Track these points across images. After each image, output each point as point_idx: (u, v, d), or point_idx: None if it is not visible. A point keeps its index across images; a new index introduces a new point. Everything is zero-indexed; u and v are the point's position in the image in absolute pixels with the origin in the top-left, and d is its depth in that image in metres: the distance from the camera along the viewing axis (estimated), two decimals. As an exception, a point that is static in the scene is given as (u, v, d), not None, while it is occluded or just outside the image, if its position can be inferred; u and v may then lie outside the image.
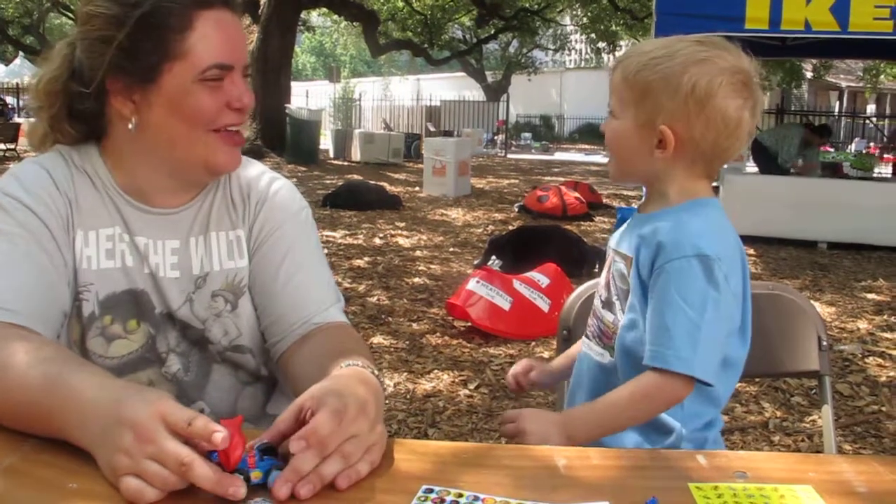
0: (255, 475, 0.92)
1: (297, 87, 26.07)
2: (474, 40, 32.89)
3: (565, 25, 37.57)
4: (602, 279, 1.50)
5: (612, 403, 1.33)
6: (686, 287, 1.30)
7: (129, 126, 1.28)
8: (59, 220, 1.29)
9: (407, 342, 4.78)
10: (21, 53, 29.92)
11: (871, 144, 21.54)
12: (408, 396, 3.90)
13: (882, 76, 29.72)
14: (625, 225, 1.50)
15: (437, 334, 4.97)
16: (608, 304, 1.46)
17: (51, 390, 0.99)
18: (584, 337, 1.55)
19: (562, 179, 14.65)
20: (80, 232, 1.31)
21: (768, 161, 9.68)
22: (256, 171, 1.47)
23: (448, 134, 20.48)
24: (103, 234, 1.33)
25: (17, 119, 20.74)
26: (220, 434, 0.86)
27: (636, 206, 1.53)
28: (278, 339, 1.38)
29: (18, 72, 26.47)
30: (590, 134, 37.20)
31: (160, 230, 1.36)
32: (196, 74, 1.24)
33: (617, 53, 36.43)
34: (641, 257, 1.37)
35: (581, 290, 1.77)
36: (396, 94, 37.18)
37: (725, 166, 14.00)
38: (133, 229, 1.34)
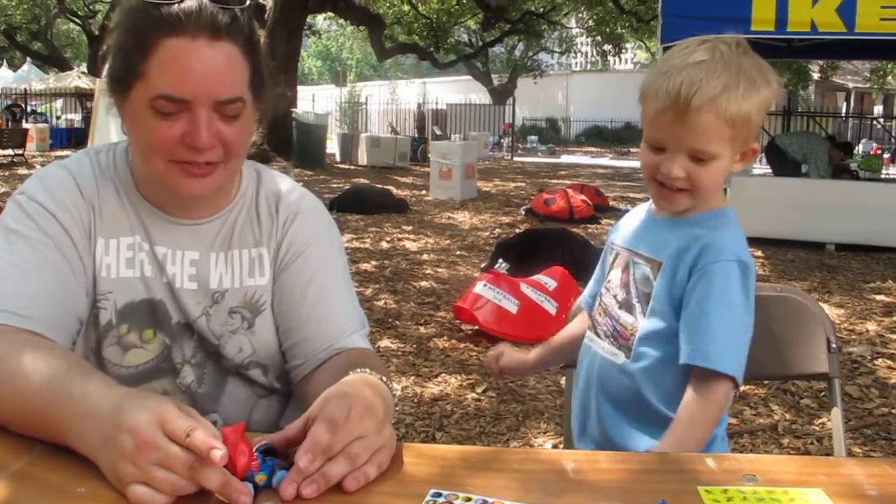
0: (260, 478, 0.92)
1: (303, 92, 26.14)
2: (480, 44, 32.93)
3: (571, 28, 37.65)
4: (616, 279, 1.50)
5: (685, 430, 1.33)
6: (729, 289, 1.33)
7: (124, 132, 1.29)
8: (81, 227, 1.29)
9: (414, 346, 4.78)
10: (29, 59, 30.08)
11: (874, 145, 21.50)
12: (415, 400, 3.90)
13: (889, 77, 29.62)
14: (635, 223, 1.51)
15: (445, 338, 4.96)
16: (627, 306, 1.46)
17: (54, 397, 1.00)
18: (589, 332, 1.55)
19: (568, 182, 14.64)
20: (101, 240, 1.31)
21: (786, 165, 9.67)
22: (286, 187, 1.44)
23: (438, 138, 20.41)
24: (124, 243, 1.32)
25: (24, 124, 20.85)
26: (218, 451, 0.86)
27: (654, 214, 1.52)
28: (300, 362, 1.36)
29: (26, 77, 26.61)
30: (596, 136, 37.23)
31: (180, 240, 1.35)
32: (148, 100, 1.18)
33: (623, 56, 36.44)
34: (676, 262, 1.38)
35: (588, 292, 1.77)
36: (403, 98, 37.23)
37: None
38: (154, 238, 1.33)
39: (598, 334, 1.52)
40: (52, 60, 32.46)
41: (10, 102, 23.74)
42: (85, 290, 1.28)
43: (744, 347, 1.34)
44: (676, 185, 1.37)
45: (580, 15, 31.37)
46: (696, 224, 1.40)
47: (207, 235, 1.36)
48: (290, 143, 17.18)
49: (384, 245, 8.22)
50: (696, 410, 1.33)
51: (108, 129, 11.49)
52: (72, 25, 35.56)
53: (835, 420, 1.72)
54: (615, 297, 1.49)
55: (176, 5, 1.16)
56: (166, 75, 1.16)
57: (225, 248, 1.37)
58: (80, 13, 31.06)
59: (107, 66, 1.25)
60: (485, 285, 5.06)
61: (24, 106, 24.28)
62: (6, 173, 15.05)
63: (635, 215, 1.56)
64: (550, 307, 5.07)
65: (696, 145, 1.33)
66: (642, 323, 1.42)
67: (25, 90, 25.29)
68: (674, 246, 1.39)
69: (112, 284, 1.31)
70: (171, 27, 1.15)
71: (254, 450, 0.93)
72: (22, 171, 15.29)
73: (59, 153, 18.81)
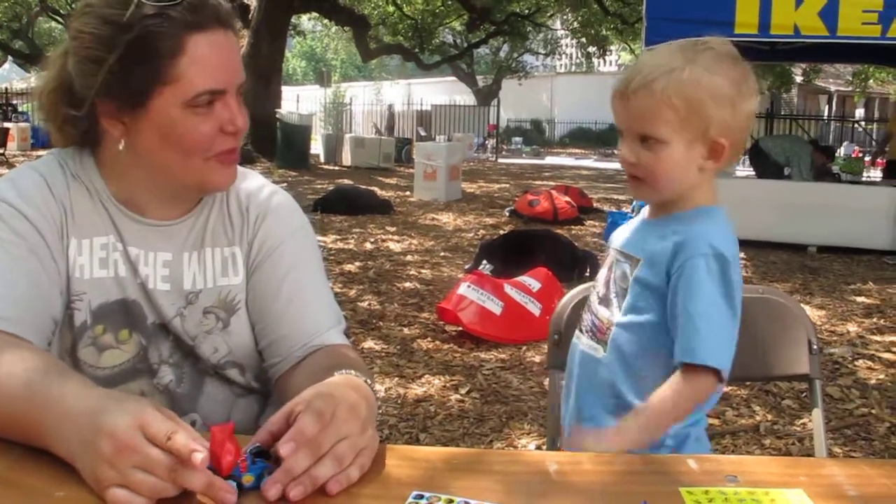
0: (247, 479, 0.91)
1: (287, 92, 26.07)
2: (465, 45, 32.97)
3: (556, 30, 37.70)
4: (601, 276, 1.53)
5: (657, 409, 1.35)
6: (704, 283, 1.34)
7: (119, 147, 1.27)
8: (54, 227, 1.28)
9: (398, 347, 4.77)
10: (10, 58, 29.83)
11: (856, 148, 21.70)
12: (399, 401, 3.90)
13: (871, 80, 29.85)
14: (629, 226, 1.53)
15: (429, 339, 4.96)
16: (605, 301, 1.49)
17: (31, 399, 0.98)
18: (576, 331, 1.57)
19: (553, 184, 14.67)
20: (73, 240, 1.30)
21: (769, 168, 9.73)
22: (256, 185, 1.44)
23: (423, 139, 20.39)
24: (97, 243, 1.31)
25: (5, 124, 20.67)
26: (199, 454, 0.85)
27: (627, 211, 1.55)
28: (277, 360, 1.36)
29: (7, 76, 26.41)
30: (580, 138, 37.30)
31: (153, 242, 1.34)
32: (186, 100, 1.20)
33: (607, 58, 36.53)
34: (657, 260, 1.39)
35: (572, 294, 1.77)
36: (387, 99, 37.19)
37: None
38: (126, 239, 1.33)
39: (581, 330, 1.54)
40: (34, 59, 32.15)
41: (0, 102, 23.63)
42: (59, 291, 1.27)
43: (727, 339, 1.34)
44: (631, 172, 1.42)
45: (565, 17, 31.44)
46: (677, 221, 1.41)
47: (179, 236, 1.36)
48: (275, 144, 17.12)
49: (368, 246, 8.21)
50: (672, 393, 1.34)
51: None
52: (54, 24, 35.28)
53: (816, 421, 1.73)
54: (598, 293, 1.52)
55: (185, 2, 1.19)
56: (204, 71, 1.21)
57: (197, 247, 1.37)
58: (62, 11, 30.82)
59: (96, 87, 1.22)
60: (469, 286, 5.06)
61: (14, 105, 24.10)
62: (-13, 173, 14.91)
63: (635, 220, 1.58)
64: (534, 308, 5.08)
65: (638, 127, 1.39)
66: (617, 317, 1.44)
67: (6, 89, 25.07)
68: (651, 243, 1.41)
69: (86, 285, 1.30)
70: (193, 25, 1.19)
71: (245, 451, 0.93)
72: (3, 170, 15.16)
73: (40, 153, 18.67)
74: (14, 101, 25.47)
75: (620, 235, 1.53)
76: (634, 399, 1.41)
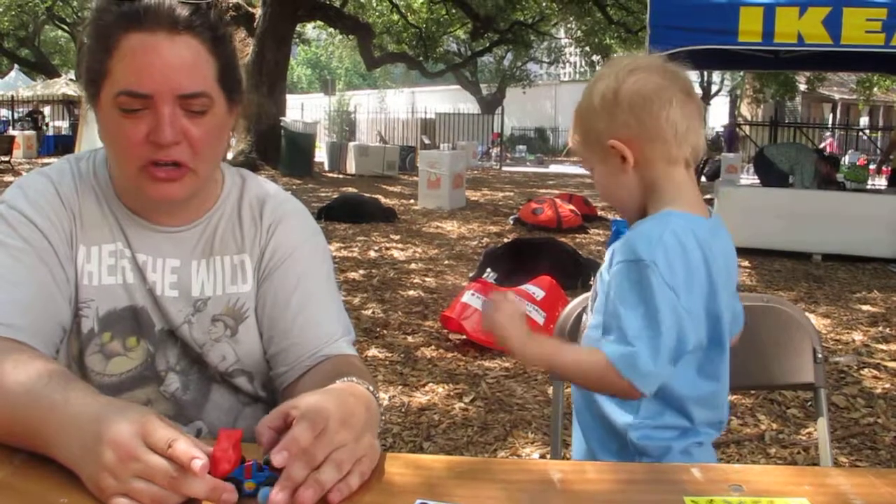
0: (249, 486, 0.91)
1: (292, 100, 26.12)
2: (469, 53, 33.00)
3: (559, 38, 37.72)
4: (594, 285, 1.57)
5: (565, 363, 1.40)
6: (622, 289, 1.34)
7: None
8: (63, 235, 1.28)
9: (402, 355, 4.77)
10: (16, 66, 29.96)
11: (863, 156, 21.68)
12: (402, 410, 3.89)
13: (875, 88, 29.85)
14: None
15: (432, 347, 4.95)
16: (588, 308, 1.55)
17: (35, 406, 0.98)
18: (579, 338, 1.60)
19: (556, 192, 14.65)
20: (82, 247, 1.30)
21: (773, 176, 9.73)
22: (270, 192, 1.44)
23: (427, 147, 20.35)
24: (105, 250, 1.31)
25: (11, 132, 20.75)
26: (199, 461, 0.85)
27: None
28: (285, 369, 1.36)
29: (13, 84, 26.51)
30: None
31: (161, 248, 1.34)
32: (111, 99, 1.19)
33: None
34: (609, 264, 1.42)
35: (576, 302, 1.77)
36: (392, 107, 37.25)
37: (720, 179, 14.06)
38: (134, 246, 1.33)
39: (579, 339, 1.58)
40: (40, 67, 32.33)
41: (30, 109, 23.75)
42: (67, 299, 1.27)
43: (647, 350, 1.29)
44: None
45: (569, 25, 31.45)
46: (635, 226, 1.44)
47: (188, 243, 1.35)
48: (279, 152, 17.15)
49: (372, 254, 8.21)
50: (587, 365, 1.35)
51: (95, 136, 11.43)
52: (60, 32, 35.43)
53: (821, 430, 1.73)
54: (590, 301, 1.56)
55: (136, 1, 1.17)
56: (127, 71, 1.17)
57: (206, 255, 1.36)
58: (68, 20, 30.96)
59: (79, 78, 1.26)
60: (472, 294, 5.05)
61: (10, 113, 24.19)
62: (-8, 180, 14.98)
63: None
64: (538, 316, 5.07)
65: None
66: (589, 321, 1.49)
67: (13, 97, 25.19)
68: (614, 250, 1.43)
69: (94, 292, 1.30)
70: (130, 23, 1.17)
71: (256, 460, 0.92)
72: (8, 178, 15.19)
73: (46, 161, 18.72)
74: (20, 110, 25.59)
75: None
76: (603, 401, 1.45)
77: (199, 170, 1.25)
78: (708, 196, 8.82)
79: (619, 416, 1.43)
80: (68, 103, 24.77)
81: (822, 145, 19.62)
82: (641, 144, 1.39)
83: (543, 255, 6.83)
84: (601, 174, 1.45)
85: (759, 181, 10.89)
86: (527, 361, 1.40)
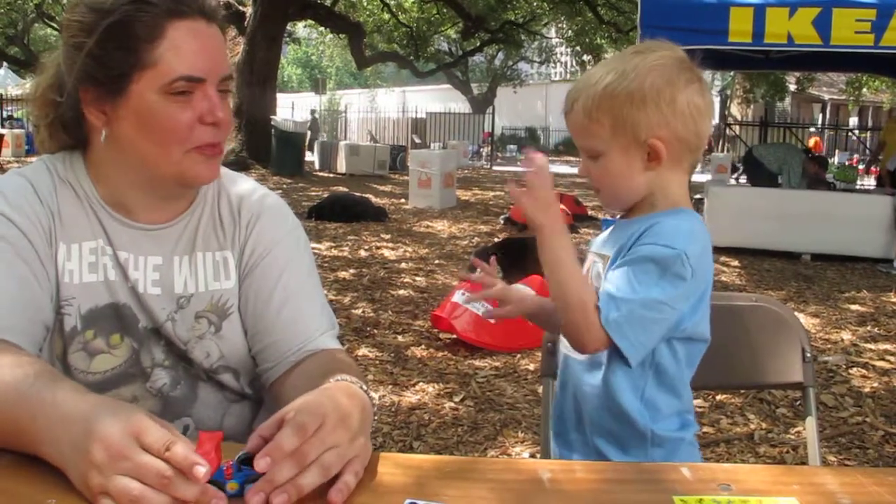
0: (231, 486, 0.91)
1: (282, 99, 26.06)
2: (460, 53, 32.99)
3: (550, 38, 37.74)
4: None
5: (575, 272, 1.36)
6: (644, 269, 1.33)
7: (101, 139, 1.27)
8: (42, 232, 1.27)
9: (392, 354, 4.76)
10: (5, 64, 29.78)
11: (855, 157, 21.79)
12: (392, 409, 3.89)
13: (864, 89, 29.96)
14: (608, 231, 1.53)
15: (422, 346, 4.95)
16: None
17: (22, 405, 0.98)
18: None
19: (547, 191, 14.64)
20: (62, 245, 1.29)
21: (762, 176, 9.76)
22: (247, 188, 1.44)
23: (418, 147, 20.26)
24: (86, 248, 1.31)
25: (1, 130, 20.61)
26: (202, 468, 0.85)
27: (619, 217, 1.55)
28: (271, 365, 1.35)
29: (2, 82, 26.36)
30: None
31: (142, 246, 1.34)
32: (163, 86, 1.20)
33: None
34: (616, 255, 1.40)
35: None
36: (382, 106, 37.23)
37: (710, 177, 14.11)
38: (115, 243, 1.32)
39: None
40: (30, 65, 32.15)
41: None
42: (49, 297, 1.27)
43: (642, 330, 1.32)
44: (589, 184, 1.46)
45: (560, 25, 31.48)
46: (648, 219, 1.41)
47: (170, 239, 1.35)
48: (269, 151, 17.11)
49: (362, 253, 8.20)
50: (582, 287, 1.35)
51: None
52: (49, 31, 35.24)
53: (809, 429, 1.73)
54: None
55: None
56: (183, 56, 1.21)
57: (188, 251, 1.36)
58: (57, 18, 30.80)
59: (76, 73, 1.23)
60: (463, 294, 5.05)
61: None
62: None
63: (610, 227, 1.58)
64: (529, 316, 5.07)
65: (580, 143, 1.44)
66: None
67: (1, 95, 25.04)
68: (621, 239, 1.41)
69: (75, 290, 1.29)
70: (173, 12, 1.21)
71: (233, 459, 0.93)
72: (-3, 176, 15.10)
73: (34, 159, 18.61)
74: (9, 108, 25.45)
75: (598, 239, 1.55)
76: (614, 394, 1.41)
77: (224, 151, 1.31)
78: (698, 196, 8.84)
79: (641, 408, 1.41)
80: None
81: (810, 144, 19.73)
82: (680, 151, 1.39)
83: (534, 254, 6.75)
84: (613, 163, 1.39)
85: (746, 182, 10.94)
86: (544, 246, 1.37)
